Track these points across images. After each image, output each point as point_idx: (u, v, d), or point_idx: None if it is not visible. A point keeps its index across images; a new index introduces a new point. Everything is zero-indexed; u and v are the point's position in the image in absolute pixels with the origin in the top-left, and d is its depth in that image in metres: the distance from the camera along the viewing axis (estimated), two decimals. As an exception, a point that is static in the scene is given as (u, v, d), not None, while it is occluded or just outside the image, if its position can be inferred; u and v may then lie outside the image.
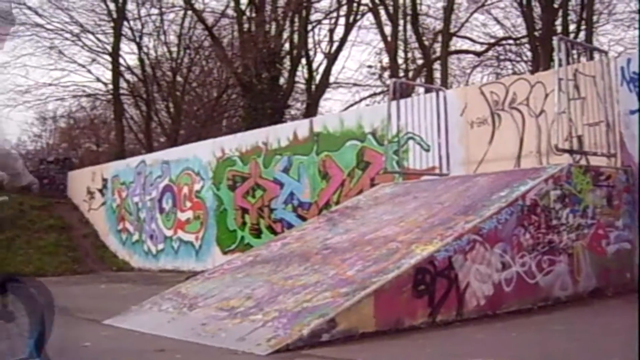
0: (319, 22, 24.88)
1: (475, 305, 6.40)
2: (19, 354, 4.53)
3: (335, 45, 24.49)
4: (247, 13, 23.54)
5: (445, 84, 20.51)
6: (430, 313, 6.05)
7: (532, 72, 16.00)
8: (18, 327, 4.60)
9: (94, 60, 26.13)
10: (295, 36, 23.80)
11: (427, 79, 22.35)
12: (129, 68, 26.62)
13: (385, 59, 23.65)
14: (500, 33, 24.86)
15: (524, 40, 23.45)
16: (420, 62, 24.25)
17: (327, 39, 24.88)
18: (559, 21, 21.19)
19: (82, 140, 32.35)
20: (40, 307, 4.66)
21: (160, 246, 17.05)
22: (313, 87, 24.70)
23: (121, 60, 25.84)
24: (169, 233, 16.79)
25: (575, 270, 7.35)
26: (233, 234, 14.80)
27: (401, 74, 22.42)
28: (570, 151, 8.05)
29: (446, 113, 10.25)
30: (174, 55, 26.64)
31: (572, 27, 21.63)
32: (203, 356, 5.46)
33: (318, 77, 24.67)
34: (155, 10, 25.83)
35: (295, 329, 5.37)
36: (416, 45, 23.94)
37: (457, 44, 24.97)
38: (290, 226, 12.52)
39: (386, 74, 23.35)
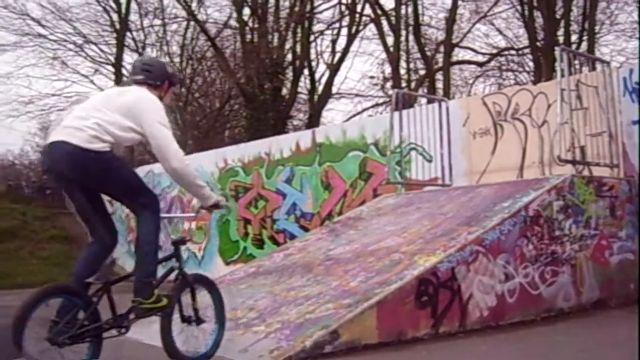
0: (321, 32, 24.97)
1: (478, 316, 6.39)
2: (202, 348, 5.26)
3: (338, 55, 24.55)
4: (250, 24, 23.62)
5: (447, 94, 20.55)
6: (433, 324, 6.04)
7: (535, 83, 15.99)
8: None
9: (96, 70, 26.19)
10: (298, 47, 23.87)
11: (429, 89, 22.38)
12: (131, 79, 26.64)
13: (388, 70, 23.74)
14: (503, 43, 24.90)
15: (526, 50, 23.46)
16: (422, 72, 24.30)
17: (329, 49, 24.97)
18: (561, 31, 21.22)
19: (85, 150, 32.35)
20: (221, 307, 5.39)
21: (166, 257, 16.98)
22: (315, 97, 24.72)
23: (124, 71, 25.88)
24: (175, 244, 16.73)
25: (579, 281, 7.33)
26: (235, 245, 14.80)
27: (403, 84, 22.46)
28: (573, 162, 8.05)
29: (448, 124, 10.25)
30: (177, 65, 26.67)
31: (574, 37, 21.65)
32: (206, 368, 5.44)
33: (320, 88, 24.69)
34: (158, 21, 25.92)
35: (298, 341, 5.35)
36: (418, 55, 23.98)
37: (459, 54, 25.03)
38: (292, 237, 12.52)
39: (388, 84, 23.41)
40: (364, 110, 25.88)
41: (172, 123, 26.98)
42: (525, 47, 23.45)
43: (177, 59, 26.62)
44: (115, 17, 25.41)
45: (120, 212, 19.07)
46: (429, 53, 23.95)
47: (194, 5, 24.47)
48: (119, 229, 17.17)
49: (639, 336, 5.17)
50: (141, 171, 18.75)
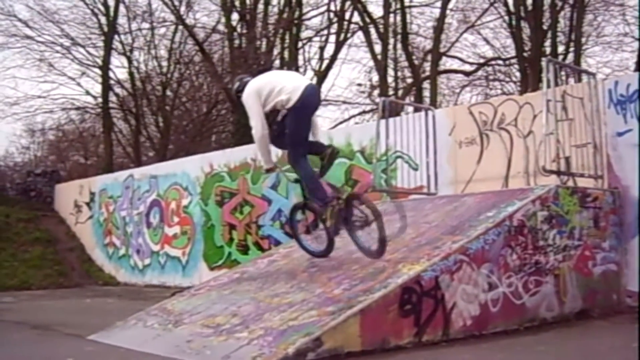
0: (309, 39, 24.99)
1: (462, 325, 6.39)
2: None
3: (326, 62, 24.58)
4: (238, 29, 23.61)
5: (434, 103, 20.60)
6: (417, 333, 6.04)
7: (521, 93, 16.09)
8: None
9: (83, 73, 26.12)
10: (286, 53, 23.87)
11: (416, 98, 22.44)
12: (118, 82, 26.61)
13: (375, 78, 23.77)
14: (490, 53, 25.03)
15: (513, 60, 23.58)
16: (409, 81, 24.37)
17: (317, 56, 24.98)
18: (548, 42, 21.36)
19: (70, 153, 32.26)
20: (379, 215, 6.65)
21: (147, 261, 16.98)
22: (303, 104, 24.64)
23: (111, 74, 25.84)
24: (155, 248, 16.73)
25: (562, 291, 7.36)
26: (220, 250, 14.75)
27: (390, 92, 22.52)
28: (558, 172, 8.09)
29: (435, 132, 10.27)
30: (164, 69, 26.65)
31: (560, 48, 21.81)
32: (187, 374, 5.42)
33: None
34: (146, 25, 25.90)
35: (281, 348, 5.33)
36: (406, 64, 24.04)
37: (446, 63, 25.12)
38: (277, 243, 12.48)
39: (376, 92, 23.44)
40: (350, 117, 25.96)
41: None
42: (512, 58, 23.59)
43: (164, 63, 26.63)
44: (103, 20, 25.39)
45: (98, 216, 19.07)
46: (416, 62, 24.03)
47: (182, 9, 24.52)
48: (97, 232, 17.20)
49: (639, 341, 5.19)
50: (121, 175, 18.78)
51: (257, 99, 7.06)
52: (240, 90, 7.34)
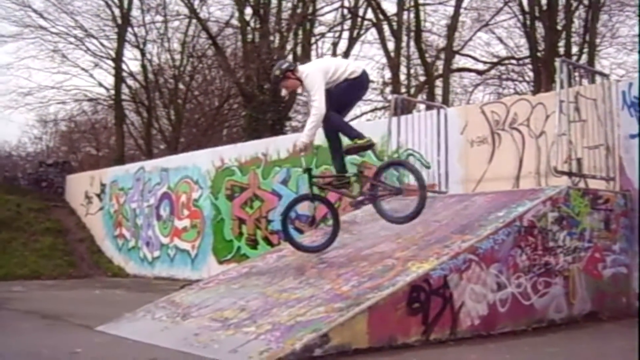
0: (322, 35, 24.97)
1: (470, 324, 6.38)
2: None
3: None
4: (252, 24, 23.60)
5: (446, 101, 20.56)
6: (424, 331, 6.04)
7: (534, 93, 16.01)
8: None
9: (96, 65, 26.24)
10: (299, 49, 23.84)
11: (428, 96, 22.40)
12: (131, 74, 26.67)
13: (387, 75, 23.72)
14: (503, 53, 24.98)
15: (527, 60, 23.52)
16: (422, 78, 24.33)
17: (330, 52, 24.93)
18: (561, 43, 21.28)
19: (82, 144, 32.39)
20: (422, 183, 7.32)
21: (156, 253, 17.03)
22: (315, 99, 24.62)
23: (124, 66, 25.92)
24: (165, 241, 16.78)
25: (571, 293, 7.34)
26: (229, 244, 14.78)
27: (403, 90, 22.47)
28: (569, 173, 8.06)
29: (446, 131, 10.24)
30: (177, 63, 26.70)
31: (574, 49, 21.73)
32: (194, 367, 5.44)
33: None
34: (159, 18, 25.94)
35: (288, 343, 5.34)
36: (419, 61, 24.01)
37: (459, 62, 25.10)
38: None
39: (388, 89, 23.39)
40: (362, 114, 25.89)
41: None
42: (525, 57, 23.52)
43: (177, 56, 26.68)
44: (117, 11, 25.44)
45: (108, 207, 19.12)
46: (429, 59, 23.99)
47: (196, 3, 24.52)
48: (107, 224, 17.18)
49: (639, 343, 5.17)
50: (132, 167, 18.83)
51: (323, 77, 7.49)
52: (288, 70, 7.71)
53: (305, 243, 8.15)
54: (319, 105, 7.39)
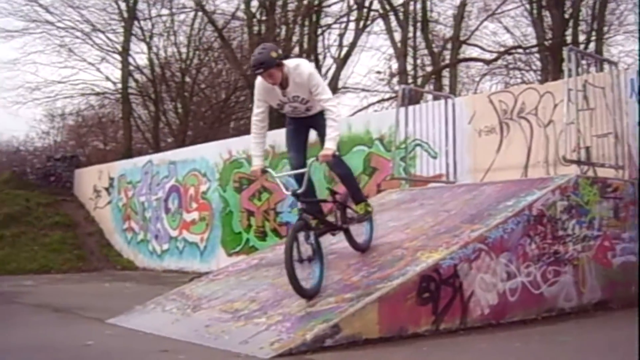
0: (329, 26, 24.87)
1: (480, 314, 6.39)
2: None
3: (345, 50, 24.43)
4: (258, 16, 23.58)
5: (454, 91, 20.51)
6: (434, 321, 6.05)
7: (542, 82, 15.97)
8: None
9: (103, 59, 26.22)
10: (305, 40, 23.81)
11: (435, 86, 22.33)
12: (138, 68, 26.65)
13: (395, 65, 23.64)
14: (510, 42, 24.79)
15: (534, 49, 23.36)
16: (429, 68, 24.21)
17: (336, 43, 24.84)
18: (569, 31, 21.14)
19: (89, 138, 32.41)
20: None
21: (165, 246, 17.09)
22: (321, 91, 24.58)
23: (131, 60, 25.90)
24: (174, 233, 16.83)
25: (581, 281, 7.33)
26: (238, 236, 14.82)
27: (410, 80, 22.38)
28: (578, 162, 8.04)
29: (454, 121, 10.24)
30: (184, 56, 26.67)
31: (582, 37, 21.57)
32: (206, 358, 5.47)
33: (327, 82, 24.63)
34: (165, 11, 25.89)
35: (299, 334, 5.37)
36: (426, 52, 23.92)
37: (466, 51, 24.90)
38: (295, 230, 12.50)
39: (395, 80, 23.32)
40: (369, 105, 25.79)
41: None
42: (533, 46, 23.36)
43: (184, 49, 26.65)
44: (123, 5, 25.43)
45: (117, 201, 19.18)
46: (436, 49, 23.89)
47: (202, -5, 24.44)
48: (116, 217, 17.23)
49: (639, 336, 5.17)
50: (140, 161, 18.87)
51: None
52: (280, 59, 6.52)
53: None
54: (338, 110, 6.57)
